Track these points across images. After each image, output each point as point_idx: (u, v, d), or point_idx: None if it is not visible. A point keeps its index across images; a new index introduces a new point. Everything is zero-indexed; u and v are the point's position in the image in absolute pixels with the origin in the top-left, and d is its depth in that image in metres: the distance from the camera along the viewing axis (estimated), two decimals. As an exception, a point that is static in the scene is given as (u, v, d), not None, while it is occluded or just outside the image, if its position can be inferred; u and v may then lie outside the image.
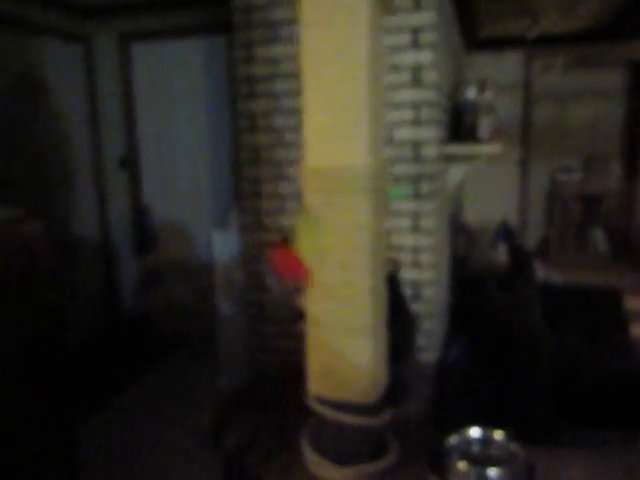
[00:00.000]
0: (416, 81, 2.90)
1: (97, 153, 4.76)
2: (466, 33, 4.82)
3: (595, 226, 5.88)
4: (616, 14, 4.56)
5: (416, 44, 2.87)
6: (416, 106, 2.92)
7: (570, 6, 4.29)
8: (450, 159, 3.34)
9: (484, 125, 3.27)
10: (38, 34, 4.16)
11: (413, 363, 2.66)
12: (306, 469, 1.84)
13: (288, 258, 1.78)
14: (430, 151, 2.94)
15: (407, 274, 2.96)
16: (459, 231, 4.70)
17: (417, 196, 2.96)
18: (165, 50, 4.53)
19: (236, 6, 3.14)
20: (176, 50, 4.49)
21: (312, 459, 1.83)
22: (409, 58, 2.88)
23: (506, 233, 4.83)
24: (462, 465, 1.59)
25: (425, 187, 2.94)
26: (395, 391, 1.86)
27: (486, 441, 1.72)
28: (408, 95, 2.91)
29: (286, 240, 1.83)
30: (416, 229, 3.00)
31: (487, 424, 1.80)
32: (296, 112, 3.13)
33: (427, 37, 2.86)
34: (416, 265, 2.99)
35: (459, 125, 3.39)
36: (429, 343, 3.00)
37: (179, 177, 4.67)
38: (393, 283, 2.36)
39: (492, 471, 1.56)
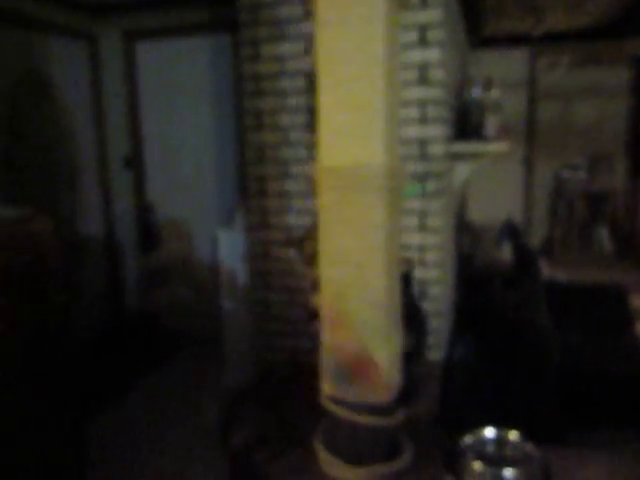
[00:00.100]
0: (423, 79, 2.89)
1: (102, 151, 4.75)
2: (471, 30, 4.80)
3: (600, 224, 5.87)
4: (625, 10, 4.54)
5: (423, 42, 2.86)
6: (423, 104, 2.91)
7: (578, 2, 4.27)
8: (456, 157, 3.33)
9: (491, 123, 3.26)
10: (43, 32, 4.15)
11: (424, 362, 2.65)
12: (319, 469, 1.84)
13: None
14: (437, 149, 2.94)
15: (414, 272, 2.96)
16: (464, 229, 4.69)
17: (424, 194, 2.96)
18: (170, 48, 4.53)
19: (242, 4, 3.12)
20: (181, 48, 4.49)
21: (325, 459, 1.82)
22: (416, 56, 2.87)
23: (511, 231, 4.83)
24: (477, 465, 1.59)
25: (432, 185, 2.93)
26: (408, 391, 1.86)
27: (501, 441, 1.72)
28: (415, 93, 2.90)
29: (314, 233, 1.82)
30: (423, 228, 2.99)
31: (492, 423, 1.79)
32: (302, 110, 3.12)
33: (434, 35, 2.84)
34: (422, 264, 2.99)
35: (465, 123, 3.38)
36: (435, 342, 3.00)
37: (184, 176, 4.66)
38: (407, 282, 2.35)
39: (508, 472, 1.56)
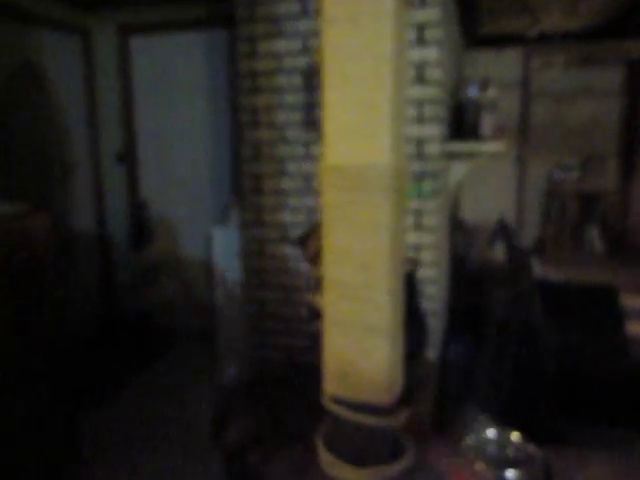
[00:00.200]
0: (420, 78, 2.89)
1: (95, 147, 4.71)
2: (466, 30, 4.81)
3: (592, 224, 5.90)
4: (619, 12, 4.56)
5: (421, 41, 2.85)
6: (420, 103, 2.92)
7: (572, 4, 4.28)
8: (452, 157, 3.34)
9: (487, 123, 3.27)
10: (37, 25, 4.11)
11: (424, 362, 2.66)
12: (318, 469, 1.83)
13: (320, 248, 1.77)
14: (433, 149, 2.94)
15: (418, 272, 2.96)
16: (457, 229, 4.70)
17: (420, 194, 2.96)
18: (165, 43, 4.49)
19: (239, 0, 3.11)
20: (176, 43, 4.45)
21: (327, 459, 1.81)
22: (414, 55, 2.87)
23: (503, 231, 4.84)
24: (480, 466, 1.59)
25: (428, 185, 2.94)
26: (409, 391, 1.85)
27: (503, 442, 1.72)
28: (412, 92, 2.90)
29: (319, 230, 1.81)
30: (419, 227, 3.00)
31: (487, 422, 1.80)
32: (298, 108, 3.12)
33: (432, 34, 2.84)
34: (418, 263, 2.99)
35: (461, 123, 3.39)
36: (431, 341, 3.00)
37: (178, 172, 4.63)
38: (411, 282, 2.34)
39: (510, 472, 1.56)
